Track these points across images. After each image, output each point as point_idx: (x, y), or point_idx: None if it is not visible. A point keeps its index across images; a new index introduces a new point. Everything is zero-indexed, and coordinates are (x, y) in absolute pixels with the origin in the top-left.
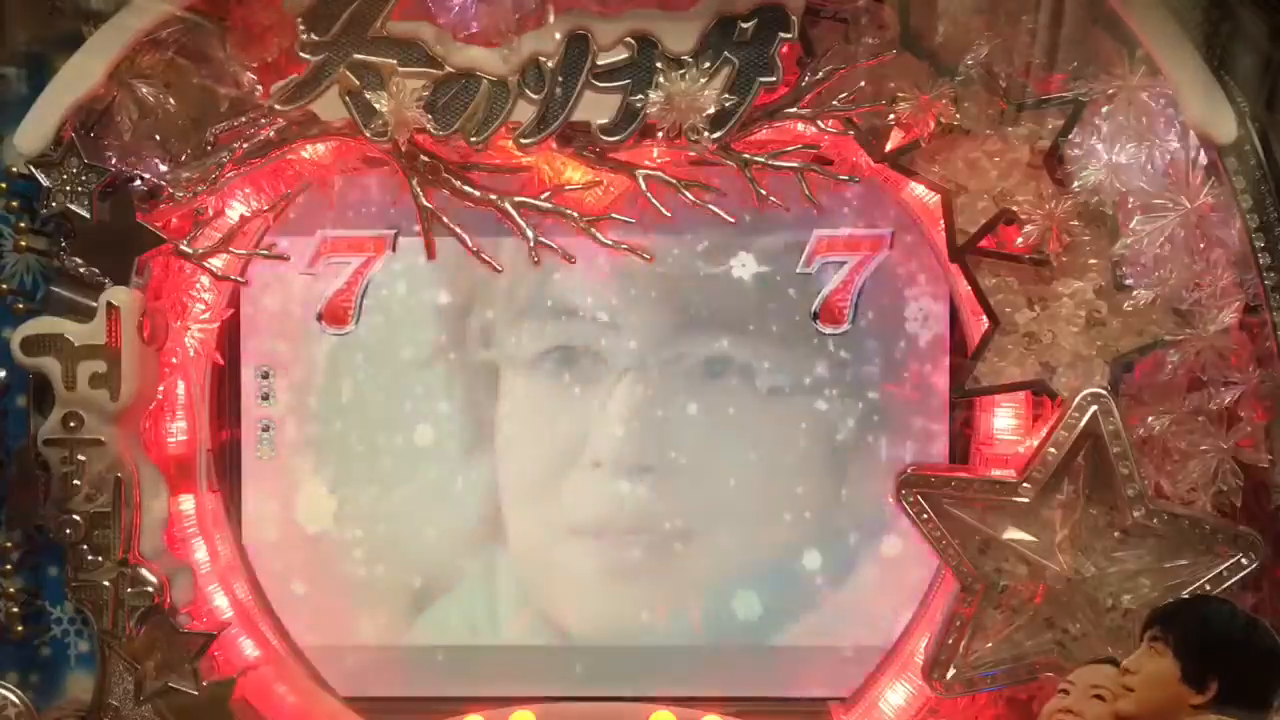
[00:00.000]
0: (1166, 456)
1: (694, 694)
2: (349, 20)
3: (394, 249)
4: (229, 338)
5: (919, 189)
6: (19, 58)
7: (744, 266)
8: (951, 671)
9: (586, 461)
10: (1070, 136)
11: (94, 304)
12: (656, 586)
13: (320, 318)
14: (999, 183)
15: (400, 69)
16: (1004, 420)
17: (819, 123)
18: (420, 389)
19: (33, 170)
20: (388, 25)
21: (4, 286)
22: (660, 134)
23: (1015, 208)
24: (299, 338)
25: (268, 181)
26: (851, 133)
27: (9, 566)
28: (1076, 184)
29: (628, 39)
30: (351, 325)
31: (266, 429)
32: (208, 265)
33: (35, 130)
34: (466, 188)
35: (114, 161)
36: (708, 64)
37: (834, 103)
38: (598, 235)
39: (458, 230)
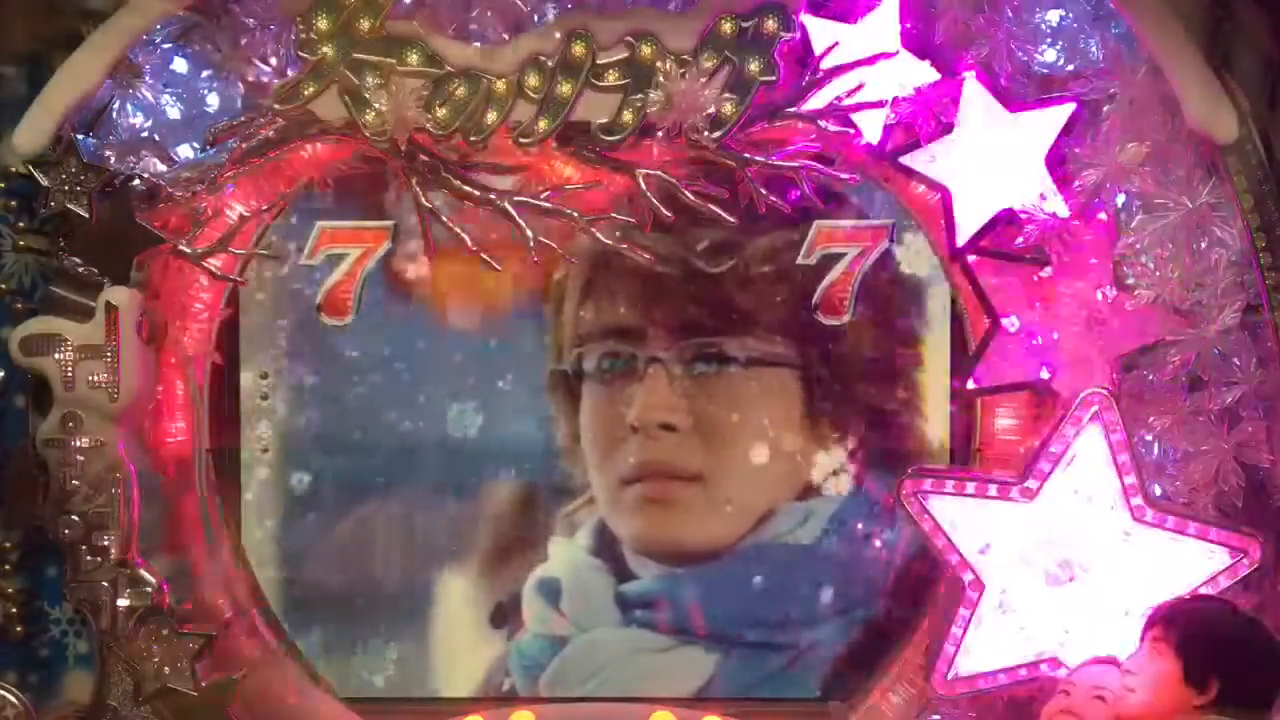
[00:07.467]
0: (1167, 456)
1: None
2: (348, 19)
3: (394, 240)
4: (228, 337)
5: (919, 188)
6: (18, 57)
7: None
8: (953, 672)
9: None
10: (1070, 136)
11: (93, 304)
12: None
13: (320, 309)
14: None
15: (400, 68)
16: (1004, 420)
17: (819, 122)
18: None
19: (31, 170)
20: (387, 24)
21: (2, 286)
22: (660, 134)
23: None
24: (299, 336)
25: (266, 181)
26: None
27: (8, 567)
28: (1076, 184)
29: (627, 38)
30: (351, 316)
31: (266, 429)
32: (206, 265)
33: (34, 130)
34: (466, 187)
35: (113, 161)
36: (708, 64)
37: (834, 102)
38: (598, 235)
39: (458, 230)
